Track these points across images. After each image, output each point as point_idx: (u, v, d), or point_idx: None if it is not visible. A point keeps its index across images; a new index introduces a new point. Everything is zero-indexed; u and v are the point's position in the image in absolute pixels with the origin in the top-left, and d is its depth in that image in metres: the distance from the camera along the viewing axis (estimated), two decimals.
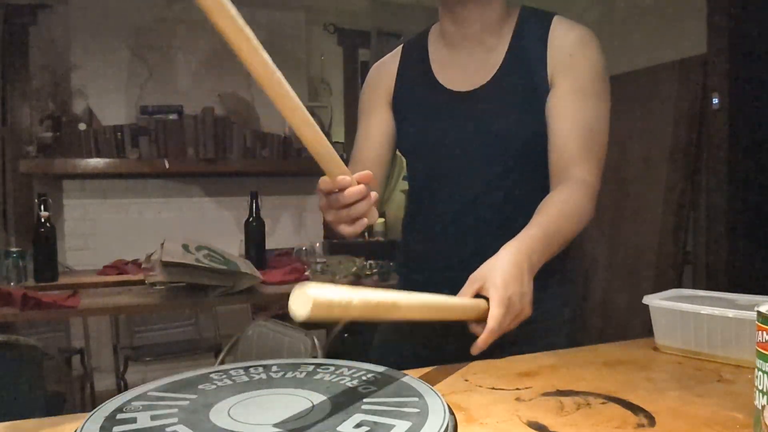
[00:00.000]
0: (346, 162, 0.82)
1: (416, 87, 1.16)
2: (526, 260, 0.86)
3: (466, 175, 1.10)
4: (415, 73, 1.17)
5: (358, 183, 0.78)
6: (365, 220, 0.81)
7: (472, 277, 0.84)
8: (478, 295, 0.84)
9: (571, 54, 1.04)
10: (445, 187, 1.12)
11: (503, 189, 1.08)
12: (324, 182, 0.79)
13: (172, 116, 3.91)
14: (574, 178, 1.00)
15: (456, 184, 1.11)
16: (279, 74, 0.62)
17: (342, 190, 0.78)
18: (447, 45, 1.15)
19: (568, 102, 1.03)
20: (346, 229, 0.84)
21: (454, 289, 0.85)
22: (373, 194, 0.80)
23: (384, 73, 1.22)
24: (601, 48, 1.07)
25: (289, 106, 0.65)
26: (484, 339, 0.81)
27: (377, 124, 1.19)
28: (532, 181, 1.07)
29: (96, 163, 3.73)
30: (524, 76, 1.07)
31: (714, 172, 2.78)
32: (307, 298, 0.57)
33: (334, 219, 0.83)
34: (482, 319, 0.82)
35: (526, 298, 0.84)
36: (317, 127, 0.70)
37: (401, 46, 1.23)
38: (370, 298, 0.66)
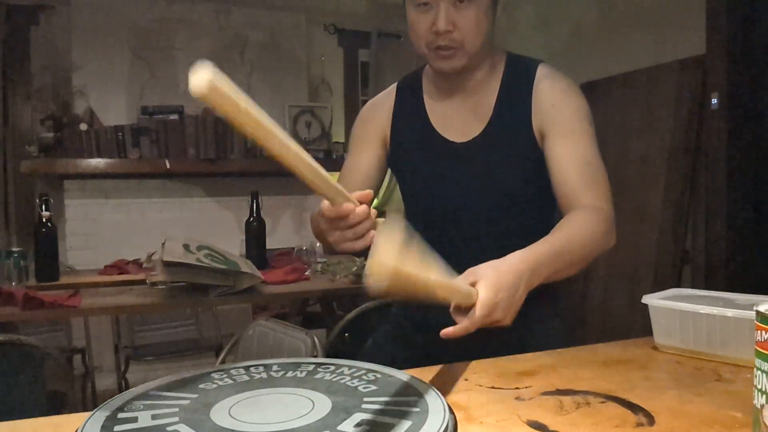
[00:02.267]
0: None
1: (414, 134, 1.19)
2: (527, 272, 0.86)
3: (463, 219, 1.15)
4: (412, 119, 1.20)
5: (360, 203, 0.81)
6: (372, 233, 0.82)
7: (470, 270, 0.84)
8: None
9: (554, 104, 1.10)
10: (442, 230, 1.16)
11: (499, 233, 1.12)
12: (328, 209, 0.80)
13: (173, 116, 3.91)
14: (584, 205, 1.03)
15: (453, 227, 1.15)
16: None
17: (346, 216, 0.80)
18: (439, 92, 1.19)
19: (561, 143, 1.07)
20: (352, 246, 0.85)
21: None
22: (373, 212, 0.83)
23: (379, 112, 1.24)
24: (583, 96, 1.13)
25: (288, 155, 0.67)
26: (455, 331, 0.80)
27: (368, 159, 1.22)
28: (528, 222, 1.11)
29: (97, 163, 3.74)
30: (513, 125, 1.12)
31: (714, 172, 2.78)
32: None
33: (339, 238, 0.84)
34: (466, 307, 0.81)
35: (511, 309, 0.83)
36: (317, 166, 0.73)
37: (395, 85, 1.26)
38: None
